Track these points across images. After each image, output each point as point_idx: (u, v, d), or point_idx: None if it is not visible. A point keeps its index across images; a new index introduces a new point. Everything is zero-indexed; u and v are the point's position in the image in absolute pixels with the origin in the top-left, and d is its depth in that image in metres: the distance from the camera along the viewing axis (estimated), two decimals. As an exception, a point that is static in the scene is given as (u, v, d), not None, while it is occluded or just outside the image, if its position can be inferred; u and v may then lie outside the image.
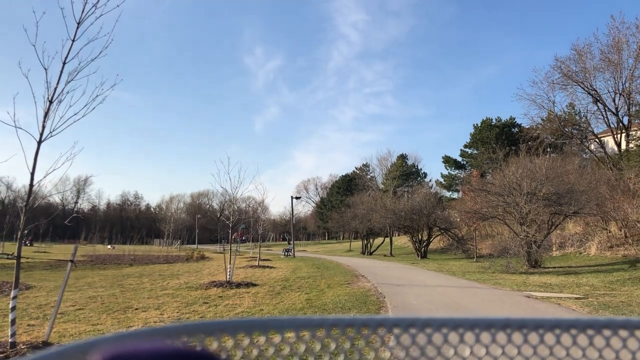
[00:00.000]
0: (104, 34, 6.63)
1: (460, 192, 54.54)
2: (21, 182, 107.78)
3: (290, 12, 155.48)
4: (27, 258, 28.49)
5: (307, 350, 0.88)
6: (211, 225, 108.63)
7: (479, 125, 57.73)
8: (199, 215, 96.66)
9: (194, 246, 69.81)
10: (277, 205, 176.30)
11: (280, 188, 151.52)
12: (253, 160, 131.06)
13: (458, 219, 37.82)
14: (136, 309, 10.67)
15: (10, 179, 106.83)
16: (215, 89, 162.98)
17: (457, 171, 62.89)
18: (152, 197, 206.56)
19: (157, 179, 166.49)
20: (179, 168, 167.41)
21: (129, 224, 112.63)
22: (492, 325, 0.92)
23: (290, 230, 59.55)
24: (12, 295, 6.39)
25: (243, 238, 73.63)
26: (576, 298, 11.87)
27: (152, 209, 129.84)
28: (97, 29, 6.43)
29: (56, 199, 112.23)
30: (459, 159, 62.18)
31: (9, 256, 27.88)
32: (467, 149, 60.57)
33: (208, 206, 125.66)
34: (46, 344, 6.45)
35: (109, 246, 56.58)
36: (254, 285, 15.50)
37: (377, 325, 0.90)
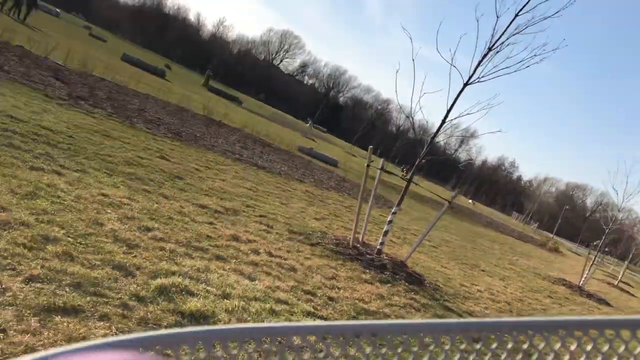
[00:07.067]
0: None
1: None
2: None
3: None
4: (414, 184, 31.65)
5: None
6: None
7: None
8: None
9: (551, 235, 66.06)
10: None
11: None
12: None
13: None
14: (482, 270, 10.69)
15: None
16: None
17: None
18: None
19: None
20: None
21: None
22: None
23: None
24: (392, 211, 7.09)
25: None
26: None
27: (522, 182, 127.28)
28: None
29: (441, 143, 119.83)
30: None
31: (403, 177, 30.94)
32: None
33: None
34: (404, 264, 7.01)
35: (470, 200, 58.43)
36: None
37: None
